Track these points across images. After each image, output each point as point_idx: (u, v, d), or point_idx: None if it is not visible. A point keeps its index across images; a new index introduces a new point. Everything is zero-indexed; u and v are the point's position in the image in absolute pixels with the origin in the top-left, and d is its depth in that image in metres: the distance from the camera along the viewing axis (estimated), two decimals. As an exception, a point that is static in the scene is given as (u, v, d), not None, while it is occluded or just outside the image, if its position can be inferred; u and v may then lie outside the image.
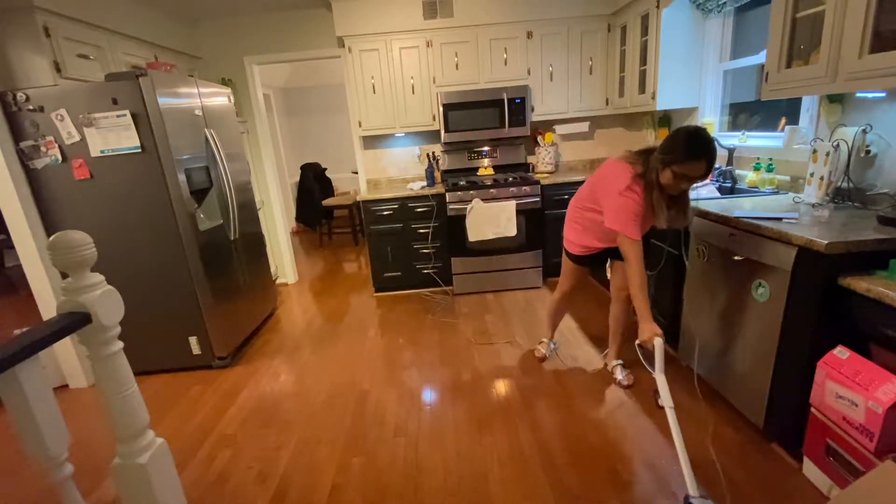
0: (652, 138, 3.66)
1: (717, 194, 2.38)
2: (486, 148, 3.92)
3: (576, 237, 2.19)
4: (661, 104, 3.01)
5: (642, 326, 1.76)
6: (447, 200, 3.47)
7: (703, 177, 1.64)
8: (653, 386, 1.97)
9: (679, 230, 2.14)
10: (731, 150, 2.62)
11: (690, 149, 1.59)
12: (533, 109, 3.65)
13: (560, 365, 2.50)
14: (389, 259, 3.67)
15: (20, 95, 2.26)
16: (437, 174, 3.91)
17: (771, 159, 2.37)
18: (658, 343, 1.70)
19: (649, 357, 1.79)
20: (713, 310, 2.02)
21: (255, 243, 3.38)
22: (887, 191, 1.76)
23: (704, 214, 2.00)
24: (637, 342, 1.81)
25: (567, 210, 2.27)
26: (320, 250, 5.68)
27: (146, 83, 2.28)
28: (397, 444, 1.98)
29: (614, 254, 2.11)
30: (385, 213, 3.55)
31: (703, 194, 2.35)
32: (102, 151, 2.36)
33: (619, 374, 2.29)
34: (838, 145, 1.85)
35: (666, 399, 1.63)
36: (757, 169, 2.39)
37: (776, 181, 2.30)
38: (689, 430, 1.90)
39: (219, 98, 3.03)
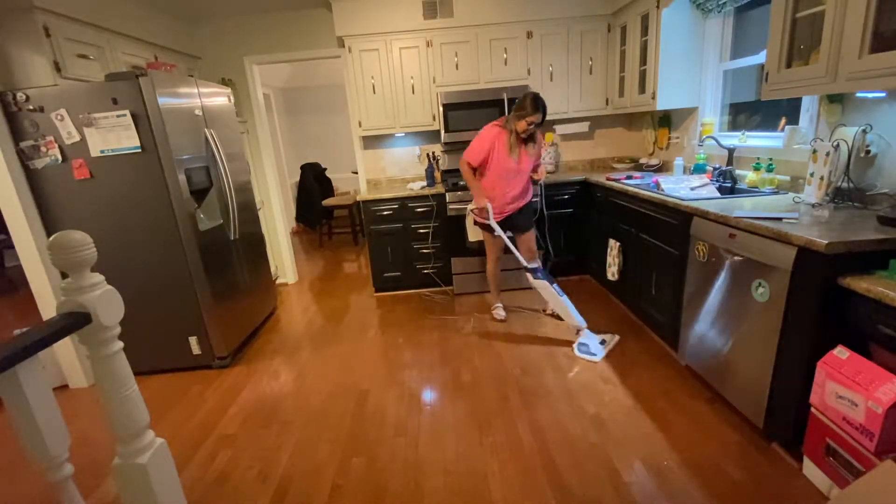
0: (652, 138, 3.66)
1: (717, 194, 2.38)
2: (486, 148, 3.92)
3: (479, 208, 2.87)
4: (661, 104, 3.01)
5: (476, 200, 2.79)
6: (447, 200, 3.47)
7: (541, 123, 2.63)
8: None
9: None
10: (731, 150, 2.61)
11: (534, 106, 2.57)
12: (533, 109, 3.65)
13: (560, 364, 2.50)
14: (389, 259, 3.67)
15: (20, 95, 2.26)
16: (437, 174, 3.91)
17: (771, 159, 2.36)
18: (488, 206, 2.75)
19: (487, 220, 2.77)
20: (713, 310, 2.02)
21: (255, 243, 3.38)
22: (887, 191, 1.76)
23: (704, 214, 2.00)
24: (470, 208, 2.89)
25: None
26: (320, 250, 5.68)
27: (146, 83, 2.28)
28: (397, 444, 1.98)
29: (514, 227, 2.88)
30: (385, 213, 3.55)
31: (704, 194, 2.35)
32: (102, 151, 2.36)
33: (500, 313, 3.14)
34: (838, 145, 1.85)
35: (498, 231, 2.78)
36: (757, 169, 2.39)
37: (776, 181, 2.30)
38: (690, 430, 1.90)
39: (219, 98, 3.03)
